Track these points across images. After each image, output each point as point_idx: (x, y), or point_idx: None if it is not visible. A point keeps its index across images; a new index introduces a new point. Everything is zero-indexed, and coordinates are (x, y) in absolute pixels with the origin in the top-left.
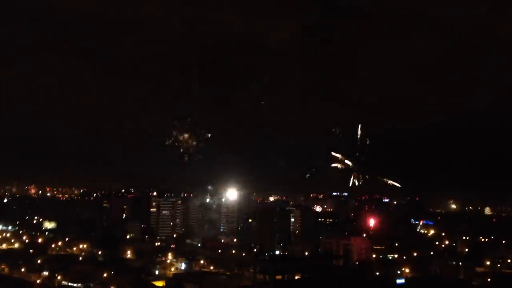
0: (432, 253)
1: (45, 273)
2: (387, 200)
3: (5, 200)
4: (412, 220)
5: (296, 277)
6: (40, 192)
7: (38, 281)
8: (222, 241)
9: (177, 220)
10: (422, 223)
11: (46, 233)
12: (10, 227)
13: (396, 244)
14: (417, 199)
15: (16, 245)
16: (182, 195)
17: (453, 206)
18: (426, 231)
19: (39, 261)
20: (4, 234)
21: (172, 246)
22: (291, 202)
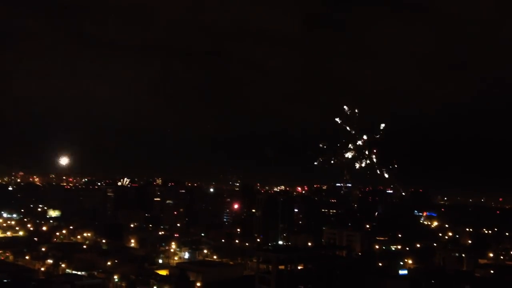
0: (435, 244)
1: (49, 261)
2: (390, 191)
3: (10, 188)
4: (416, 211)
5: (299, 268)
6: (44, 180)
7: (42, 269)
8: (226, 230)
9: (181, 209)
10: (426, 215)
11: (51, 221)
12: (15, 215)
13: (399, 235)
14: (420, 190)
15: (21, 233)
16: (186, 185)
17: (457, 197)
18: (429, 223)
19: (43, 249)
20: (9, 222)
21: (175, 235)
22: (294, 193)
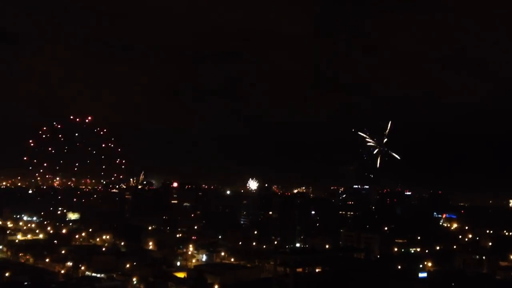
0: (455, 247)
1: (69, 263)
2: (409, 193)
3: (30, 191)
4: (435, 213)
5: (317, 270)
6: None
7: (62, 271)
8: (243, 233)
9: (198, 212)
10: (445, 217)
11: (70, 224)
12: (35, 218)
13: (419, 238)
14: (439, 192)
15: (41, 236)
16: (202, 187)
17: (477, 199)
18: (449, 225)
19: (63, 252)
20: (29, 225)
21: (193, 237)
22: (312, 195)
